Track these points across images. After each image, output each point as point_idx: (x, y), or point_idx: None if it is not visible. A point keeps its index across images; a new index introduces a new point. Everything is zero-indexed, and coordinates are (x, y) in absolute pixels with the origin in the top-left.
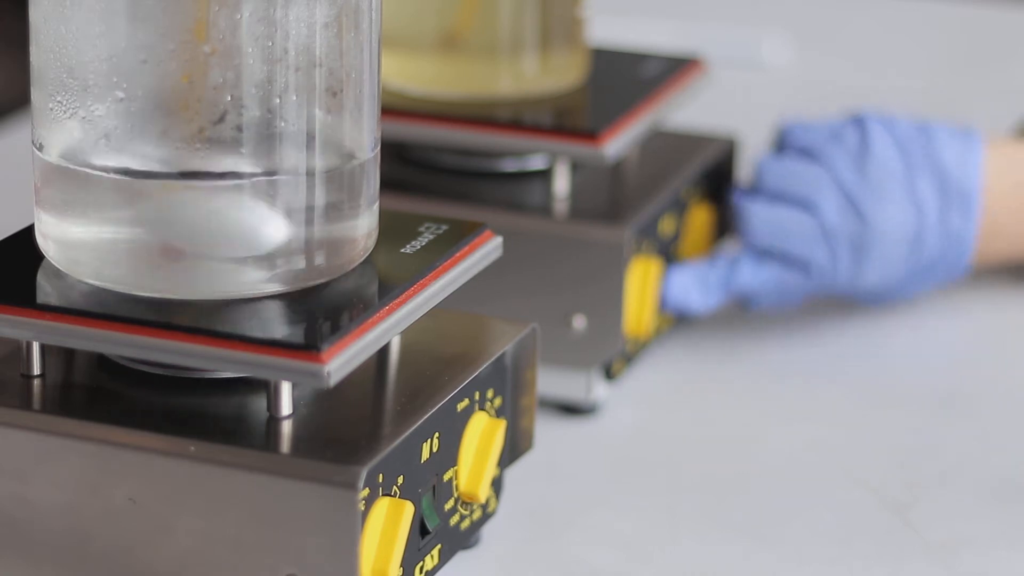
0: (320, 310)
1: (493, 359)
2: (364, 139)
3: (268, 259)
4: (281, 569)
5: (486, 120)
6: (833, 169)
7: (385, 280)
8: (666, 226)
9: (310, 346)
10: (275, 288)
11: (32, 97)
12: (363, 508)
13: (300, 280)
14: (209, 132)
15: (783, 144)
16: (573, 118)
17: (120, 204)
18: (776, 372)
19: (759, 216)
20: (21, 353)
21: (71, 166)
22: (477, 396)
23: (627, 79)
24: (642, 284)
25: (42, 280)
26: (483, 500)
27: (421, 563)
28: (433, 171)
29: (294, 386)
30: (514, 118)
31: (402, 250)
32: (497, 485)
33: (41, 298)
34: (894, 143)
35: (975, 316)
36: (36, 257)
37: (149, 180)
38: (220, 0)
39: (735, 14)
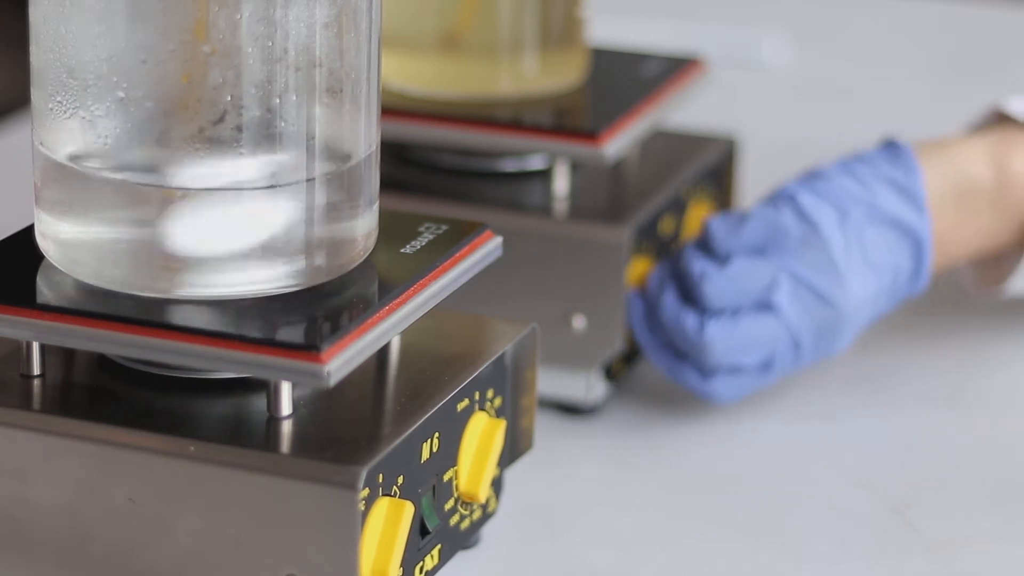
0: (320, 310)
1: (493, 359)
2: (364, 139)
3: (268, 259)
4: (281, 569)
5: (486, 120)
6: (784, 263)
7: (385, 280)
8: (666, 226)
9: (310, 346)
10: (275, 288)
11: (32, 97)
12: (363, 508)
13: (300, 280)
14: (209, 132)
15: (711, 244)
16: (573, 118)
17: (120, 204)
18: None
19: (722, 338)
20: (21, 353)
21: (71, 166)
22: (477, 396)
23: (627, 79)
24: (643, 284)
25: (42, 280)
26: (483, 500)
27: (421, 563)
28: (433, 171)
29: (294, 386)
30: (514, 118)
31: (402, 250)
32: (497, 485)
33: (41, 298)
34: (834, 213)
35: (975, 316)
36: (36, 257)
37: (149, 180)
38: (220, 0)
39: (735, 14)
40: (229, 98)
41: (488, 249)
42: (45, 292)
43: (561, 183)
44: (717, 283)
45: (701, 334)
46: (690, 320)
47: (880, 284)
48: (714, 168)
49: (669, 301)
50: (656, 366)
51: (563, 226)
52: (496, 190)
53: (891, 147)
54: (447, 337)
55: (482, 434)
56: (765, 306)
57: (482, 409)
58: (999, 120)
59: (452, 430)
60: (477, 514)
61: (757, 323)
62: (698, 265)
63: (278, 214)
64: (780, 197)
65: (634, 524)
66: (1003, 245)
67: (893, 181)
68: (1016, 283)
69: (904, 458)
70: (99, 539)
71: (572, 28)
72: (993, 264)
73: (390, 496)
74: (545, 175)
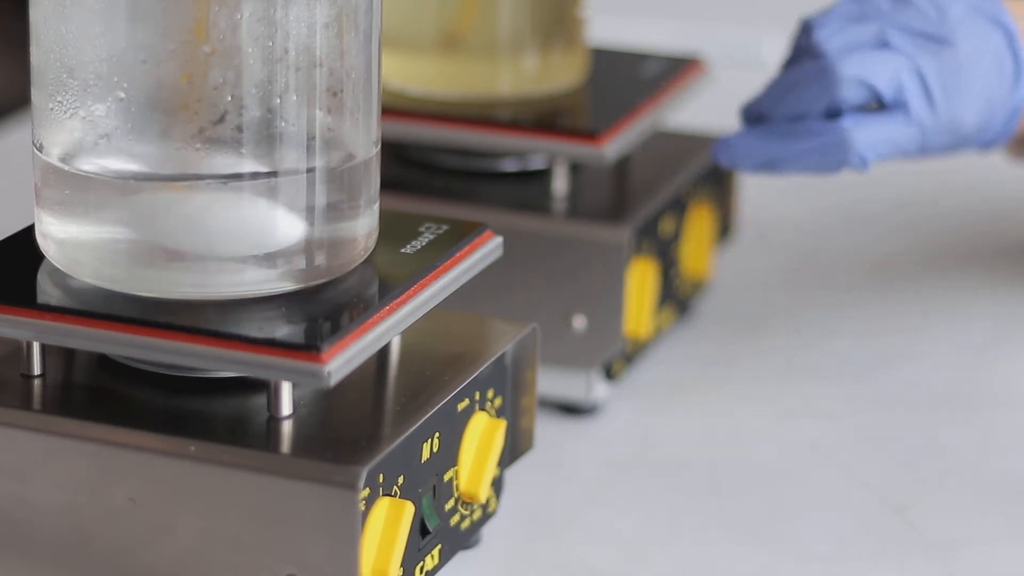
0: (320, 310)
1: (493, 359)
2: (364, 139)
3: (268, 259)
4: (281, 569)
5: (486, 120)
6: (886, 22)
7: (385, 280)
8: (666, 226)
9: (310, 346)
10: (275, 288)
11: (32, 97)
12: (363, 508)
13: (300, 280)
14: (209, 132)
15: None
16: (573, 118)
17: (120, 204)
18: (776, 372)
19: (838, 42)
20: (21, 353)
21: (71, 166)
22: (477, 396)
23: (627, 79)
24: (642, 284)
25: (42, 280)
26: (483, 500)
27: (421, 563)
28: (433, 171)
29: (294, 386)
30: (514, 118)
31: (402, 250)
32: (497, 485)
33: (41, 298)
34: None
35: (975, 316)
36: (36, 257)
37: (149, 180)
38: (220, 0)
39: (735, 14)
40: (229, 98)
41: (488, 249)
42: (45, 292)
43: (561, 183)
44: (827, 28)
45: (813, 44)
46: (805, 61)
47: (989, 41)
48: (714, 168)
49: (773, 82)
50: (781, 163)
51: (563, 226)
52: (496, 190)
53: None
54: (447, 337)
55: (482, 434)
56: (879, 45)
57: (482, 409)
58: None
59: (452, 430)
60: (477, 514)
61: (875, 51)
62: (801, 37)
63: (278, 214)
64: None
65: (634, 524)
66: None
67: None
68: None
69: (904, 458)
70: (99, 539)
71: (572, 28)
72: None
73: (390, 496)
74: (545, 175)
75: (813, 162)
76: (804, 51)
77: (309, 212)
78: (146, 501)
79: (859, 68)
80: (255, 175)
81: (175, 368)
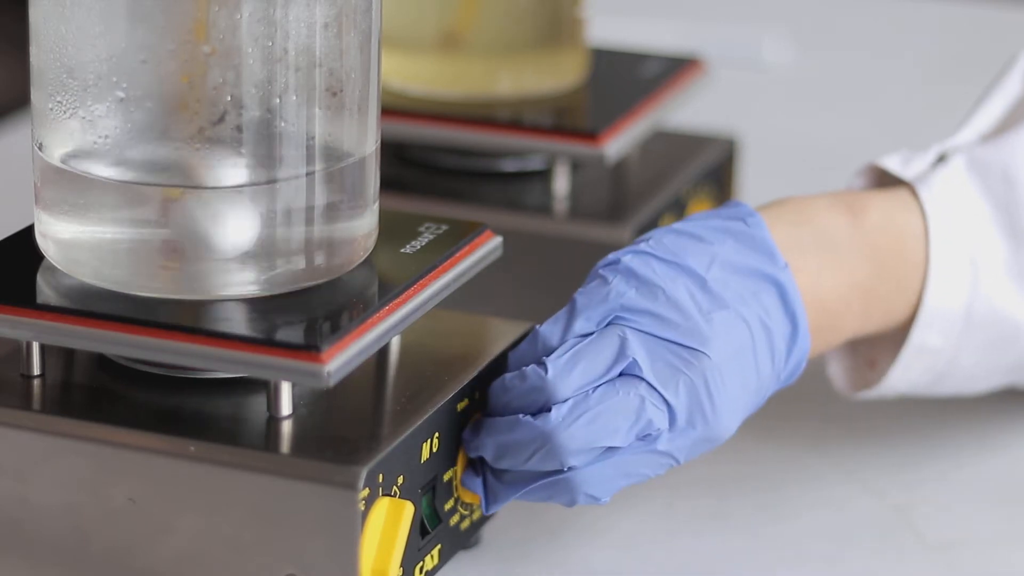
0: (320, 310)
1: (493, 359)
2: (364, 139)
3: (268, 259)
4: (281, 569)
5: (486, 120)
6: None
7: (385, 280)
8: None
9: (310, 346)
10: (275, 288)
11: (32, 97)
12: (363, 508)
13: (300, 280)
14: (209, 132)
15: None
16: (573, 118)
17: (120, 204)
18: None
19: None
20: (21, 353)
21: (71, 166)
22: (477, 396)
23: (627, 79)
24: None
25: (42, 280)
26: None
27: (421, 563)
28: (433, 171)
29: (294, 386)
30: (514, 118)
31: (402, 250)
32: None
33: (41, 298)
34: (670, 269)
35: None
36: (36, 257)
37: (149, 180)
38: (220, 0)
39: (735, 14)
40: (229, 98)
41: (488, 249)
42: (45, 292)
43: (561, 183)
44: (557, 368)
45: (546, 385)
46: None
47: (754, 314)
48: (714, 168)
49: (491, 433)
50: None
51: (563, 226)
52: (496, 190)
53: (729, 204)
54: (447, 337)
55: None
56: (620, 376)
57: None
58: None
59: (452, 430)
60: (477, 514)
61: (608, 401)
62: (531, 371)
63: (278, 214)
64: (602, 265)
65: (634, 524)
66: (884, 313)
67: (734, 231)
68: (894, 378)
69: (904, 458)
70: (99, 539)
71: (572, 28)
72: (867, 366)
73: (390, 496)
74: (545, 175)
75: (541, 498)
76: (532, 379)
77: (309, 212)
78: (146, 501)
79: (587, 438)
80: (255, 175)
81: (175, 368)
